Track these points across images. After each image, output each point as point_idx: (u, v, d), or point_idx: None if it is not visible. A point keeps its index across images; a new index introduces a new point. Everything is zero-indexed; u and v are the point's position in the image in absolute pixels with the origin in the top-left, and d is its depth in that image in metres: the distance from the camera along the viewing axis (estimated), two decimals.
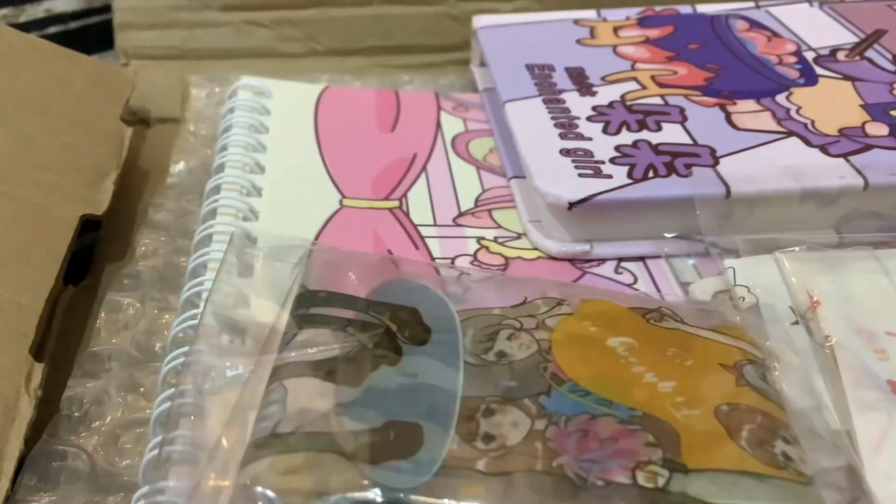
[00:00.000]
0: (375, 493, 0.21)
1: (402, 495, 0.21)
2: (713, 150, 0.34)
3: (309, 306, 0.26)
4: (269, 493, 0.21)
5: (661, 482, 0.22)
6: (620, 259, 0.33)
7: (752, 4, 0.45)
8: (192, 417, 0.24)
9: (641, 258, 0.33)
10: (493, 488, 0.21)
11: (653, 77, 0.39)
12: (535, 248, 0.34)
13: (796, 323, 0.29)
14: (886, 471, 0.24)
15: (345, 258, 0.29)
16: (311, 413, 0.23)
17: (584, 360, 0.25)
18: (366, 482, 0.21)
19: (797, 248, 0.31)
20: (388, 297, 0.27)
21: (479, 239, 0.34)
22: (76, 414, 0.29)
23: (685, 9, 0.45)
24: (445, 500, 0.21)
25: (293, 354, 0.25)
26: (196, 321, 0.27)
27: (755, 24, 0.44)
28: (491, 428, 0.23)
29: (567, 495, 0.21)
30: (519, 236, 0.34)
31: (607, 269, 0.33)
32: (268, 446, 0.22)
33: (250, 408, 0.24)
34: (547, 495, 0.21)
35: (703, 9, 0.45)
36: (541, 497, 0.21)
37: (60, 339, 0.32)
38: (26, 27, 0.51)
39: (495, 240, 0.34)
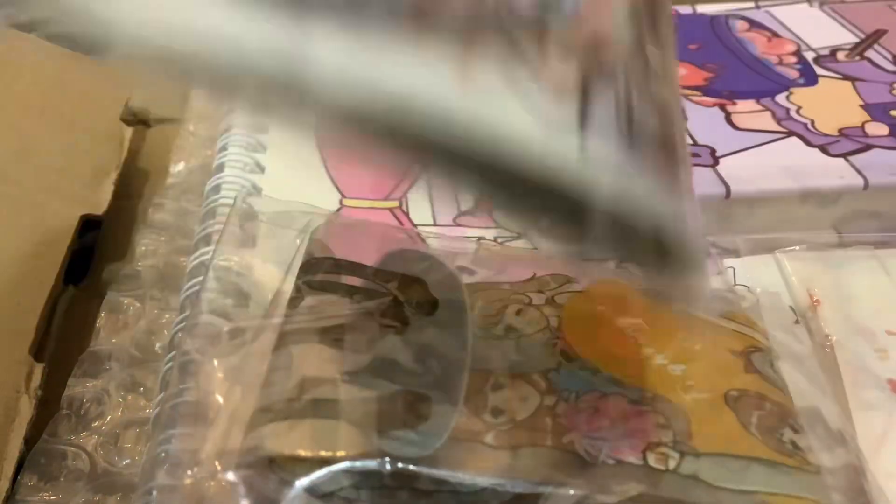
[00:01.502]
0: (383, 463, 0.20)
1: (409, 466, 0.21)
2: (713, 150, 0.34)
3: (315, 273, 0.26)
4: (275, 458, 0.20)
5: (671, 464, 0.21)
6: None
7: (752, 5, 0.45)
8: (195, 382, 0.24)
9: None
10: (501, 461, 0.21)
11: None
12: (536, 248, 0.34)
13: (797, 322, 0.29)
14: (887, 469, 0.24)
15: (352, 226, 0.29)
16: (318, 380, 0.23)
17: (594, 339, 0.25)
18: (373, 451, 0.21)
19: (797, 248, 0.31)
20: (394, 266, 0.27)
21: (479, 239, 0.34)
22: (76, 414, 0.29)
23: (685, 9, 0.45)
24: (453, 472, 0.21)
25: (299, 321, 0.24)
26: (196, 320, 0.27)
27: (755, 25, 0.44)
28: (499, 402, 0.23)
29: (576, 471, 0.21)
30: (519, 236, 0.34)
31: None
32: (274, 412, 0.22)
33: (254, 373, 0.23)
34: (556, 469, 0.21)
35: (703, 9, 0.45)
36: (550, 471, 0.21)
37: (60, 339, 0.32)
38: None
39: (495, 240, 0.34)
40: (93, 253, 0.37)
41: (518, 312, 0.26)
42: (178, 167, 0.40)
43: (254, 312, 0.26)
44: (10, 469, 0.25)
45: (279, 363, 0.23)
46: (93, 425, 0.28)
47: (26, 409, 0.27)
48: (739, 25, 0.44)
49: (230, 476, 0.21)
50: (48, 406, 0.28)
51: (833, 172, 0.33)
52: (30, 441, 0.27)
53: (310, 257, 0.27)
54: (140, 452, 0.27)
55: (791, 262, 0.31)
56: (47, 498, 0.26)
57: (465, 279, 0.27)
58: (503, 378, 0.23)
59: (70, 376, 0.30)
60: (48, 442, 0.27)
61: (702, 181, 0.32)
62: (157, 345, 0.31)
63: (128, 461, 0.27)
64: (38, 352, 0.29)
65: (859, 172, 0.33)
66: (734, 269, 0.31)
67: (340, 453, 0.21)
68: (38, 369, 0.28)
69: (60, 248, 0.32)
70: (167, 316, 0.32)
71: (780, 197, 0.32)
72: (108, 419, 0.29)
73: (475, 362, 0.24)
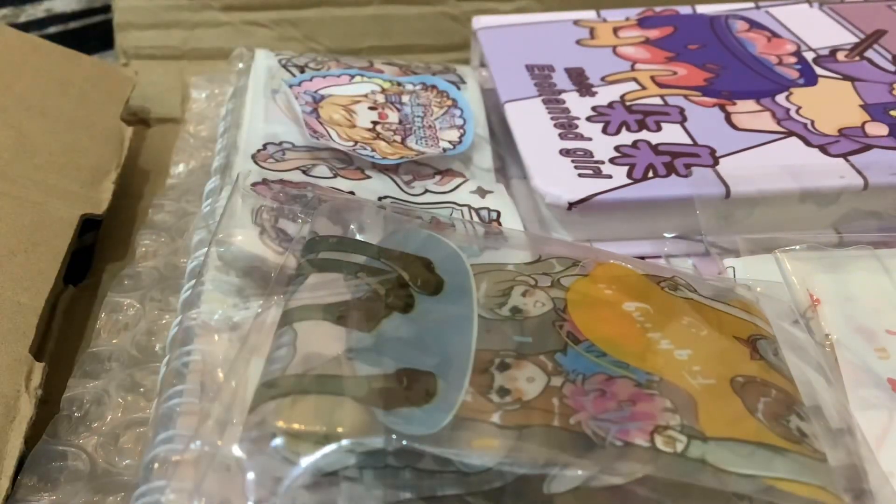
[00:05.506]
0: (388, 440, 0.20)
1: (414, 443, 0.20)
2: (713, 150, 0.34)
3: (319, 251, 0.26)
4: (279, 435, 0.20)
5: (679, 448, 0.21)
6: None
7: (751, 5, 0.45)
8: (198, 356, 0.23)
9: (641, 258, 0.33)
10: (507, 441, 0.21)
11: (652, 77, 0.39)
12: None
13: (797, 322, 0.29)
14: (887, 468, 0.24)
15: (355, 205, 0.28)
16: (322, 356, 0.22)
17: (600, 322, 0.25)
18: (377, 428, 0.20)
19: (797, 248, 0.31)
20: (398, 245, 0.27)
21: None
22: (76, 414, 0.29)
23: (685, 9, 0.45)
24: (459, 450, 0.20)
25: (303, 298, 0.24)
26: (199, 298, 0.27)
27: (755, 25, 0.44)
28: (506, 382, 0.22)
29: (583, 452, 0.21)
30: None
31: None
32: (278, 388, 0.21)
33: (257, 349, 0.23)
34: (563, 450, 0.21)
35: (702, 9, 0.45)
36: (556, 451, 0.21)
37: (60, 339, 0.32)
38: (26, 27, 0.51)
39: None
40: (93, 253, 0.37)
41: (524, 294, 0.25)
42: (178, 168, 0.40)
43: (257, 290, 0.26)
44: (10, 469, 0.25)
45: (282, 340, 0.23)
46: (93, 426, 0.28)
47: (26, 409, 0.27)
48: (739, 25, 0.44)
49: (233, 451, 0.20)
50: (48, 406, 0.28)
51: (833, 172, 0.33)
52: (30, 441, 0.27)
53: (314, 235, 0.27)
54: (140, 452, 0.27)
55: (791, 261, 0.31)
56: (47, 498, 0.26)
57: (470, 260, 0.27)
58: (509, 358, 0.23)
59: (70, 377, 0.30)
60: (48, 442, 0.27)
61: (702, 181, 0.32)
62: (157, 345, 0.31)
63: (128, 461, 0.27)
64: (38, 352, 0.29)
65: (859, 172, 0.33)
66: (734, 269, 0.31)
67: (345, 429, 0.20)
68: (38, 369, 0.28)
69: (60, 248, 0.32)
70: (167, 317, 0.32)
71: (780, 197, 0.32)
72: (108, 419, 0.29)
73: (481, 342, 0.24)
